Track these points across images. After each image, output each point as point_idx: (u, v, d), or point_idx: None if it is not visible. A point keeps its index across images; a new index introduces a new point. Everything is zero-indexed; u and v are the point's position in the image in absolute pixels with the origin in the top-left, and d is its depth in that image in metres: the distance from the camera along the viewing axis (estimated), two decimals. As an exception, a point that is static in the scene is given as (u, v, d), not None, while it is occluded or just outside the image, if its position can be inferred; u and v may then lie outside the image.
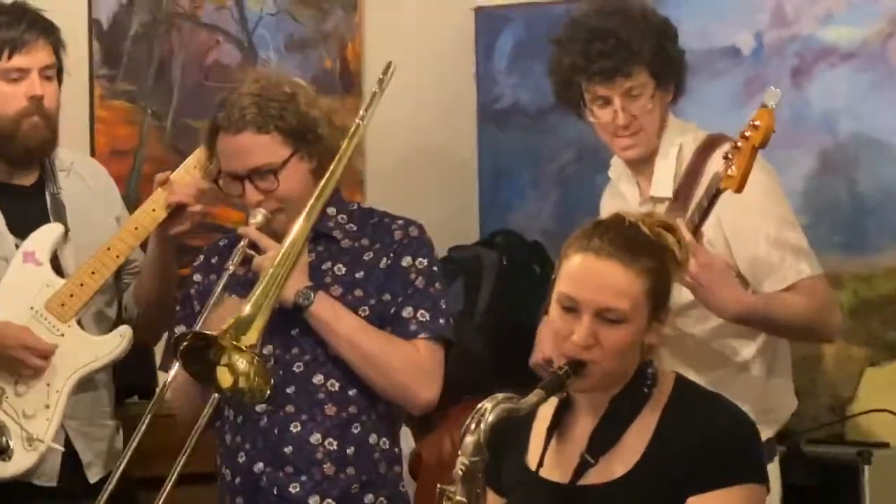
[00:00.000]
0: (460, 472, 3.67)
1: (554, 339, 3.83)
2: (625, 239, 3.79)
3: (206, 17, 6.49)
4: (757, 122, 4.71)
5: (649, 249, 3.81)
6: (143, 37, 6.37)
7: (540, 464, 3.92)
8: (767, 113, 4.72)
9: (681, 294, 4.73)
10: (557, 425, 3.95)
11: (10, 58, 5.09)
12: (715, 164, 4.97)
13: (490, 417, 3.68)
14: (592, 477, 3.86)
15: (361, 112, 4.80)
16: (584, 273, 3.79)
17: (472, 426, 3.67)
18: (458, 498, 3.66)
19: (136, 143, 6.19)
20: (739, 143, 4.72)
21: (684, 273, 4.49)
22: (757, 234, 4.99)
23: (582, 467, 3.82)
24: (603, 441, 3.83)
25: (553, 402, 3.93)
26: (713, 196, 4.73)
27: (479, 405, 3.72)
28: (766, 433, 4.95)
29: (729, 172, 4.71)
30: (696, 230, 4.71)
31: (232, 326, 4.45)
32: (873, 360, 5.85)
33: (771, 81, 5.86)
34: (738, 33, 6.02)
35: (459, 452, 3.71)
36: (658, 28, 5.22)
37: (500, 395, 3.73)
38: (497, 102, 6.88)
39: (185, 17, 6.46)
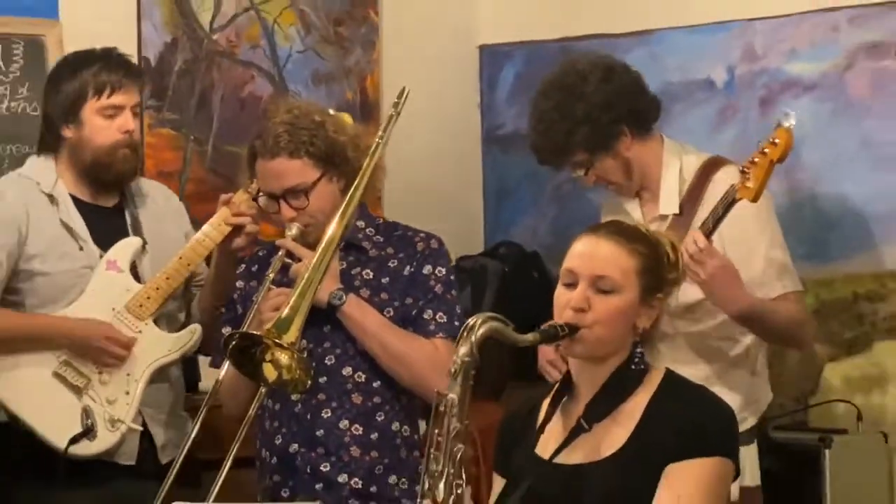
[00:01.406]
0: (453, 369, 3.73)
1: (556, 312, 3.84)
2: (624, 229, 3.92)
3: (242, 55, 6.51)
4: (776, 140, 4.79)
5: (644, 240, 3.89)
6: (187, 72, 6.37)
7: (542, 430, 3.94)
8: (787, 132, 4.80)
9: (679, 297, 4.86)
10: (559, 404, 3.95)
11: (109, 97, 5.15)
12: (717, 181, 5.11)
13: (480, 329, 3.72)
14: (586, 454, 3.85)
15: (380, 132, 4.78)
16: (583, 248, 3.86)
17: (464, 335, 3.72)
18: (451, 395, 3.72)
19: (181, 167, 6.19)
20: (756, 159, 4.79)
21: (697, 272, 4.76)
22: (751, 250, 5.08)
23: (575, 431, 3.83)
24: (597, 412, 3.84)
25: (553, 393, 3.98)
26: (729, 204, 4.81)
27: (469, 319, 3.77)
28: (750, 421, 5.19)
29: (746, 184, 4.77)
30: (709, 235, 4.81)
31: (273, 326, 4.42)
32: (833, 356, 5.91)
33: (742, 110, 6.00)
34: (713, 67, 6.07)
35: (454, 356, 3.76)
36: (620, 80, 5.27)
37: (489, 314, 3.78)
38: (500, 129, 6.94)
39: (224, 54, 6.48)
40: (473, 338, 3.72)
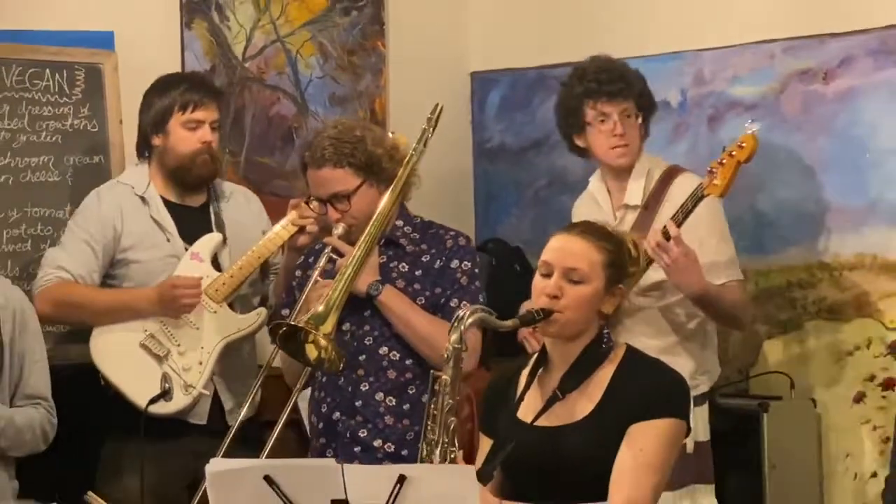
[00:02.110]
0: (446, 355, 3.83)
1: (534, 298, 3.89)
2: (592, 228, 3.96)
3: (269, 80, 6.47)
4: (743, 144, 4.92)
5: (610, 238, 3.94)
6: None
7: (522, 398, 3.96)
8: (753, 137, 4.94)
9: (645, 277, 4.95)
10: (536, 375, 3.96)
11: (192, 112, 5.22)
12: (676, 185, 5.22)
13: (468, 320, 3.81)
14: (561, 418, 3.88)
15: (414, 145, 4.85)
16: (557, 244, 3.91)
17: (455, 324, 3.82)
18: (444, 377, 3.81)
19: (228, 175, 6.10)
20: (724, 160, 4.91)
21: (662, 257, 4.86)
22: (703, 243, 5.08)
23: (551, 401, 3.87)
24: (570, 383, 3.87)
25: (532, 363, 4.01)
26: (697, 200, 4.90)
27: (459, 312, 3.90)
28: (703, 388, 5.26)
29: (714, 182, 4.87)
30: (678, 226, 4.87)
31: (312, 318, 4.51)
32: (770, 334, 5.89)
33: (692, 127, 6.01)
34: (668, 91, 6.03)
35: (447, 344, 3.85)
36: (642, 78, 5.37)
37: (477, 307, 3.92)
38: (488, 143, 6.89)
39: (254, 80, 6.45)
40: (462, 327, 3.80)
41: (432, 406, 3.91)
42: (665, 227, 4.87)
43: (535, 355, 4.00)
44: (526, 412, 3.94)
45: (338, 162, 4.85)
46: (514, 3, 6.79)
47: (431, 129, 4.87)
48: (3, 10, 5.81)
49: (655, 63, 5.94)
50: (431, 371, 3.92)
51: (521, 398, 3.97)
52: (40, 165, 5.72)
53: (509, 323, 3.90)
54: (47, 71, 5.79)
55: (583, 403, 3.90)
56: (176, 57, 6.22)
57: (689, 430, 3.93)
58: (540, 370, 3.99)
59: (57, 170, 5.71)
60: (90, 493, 4.17)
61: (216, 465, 3.44)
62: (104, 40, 5.94)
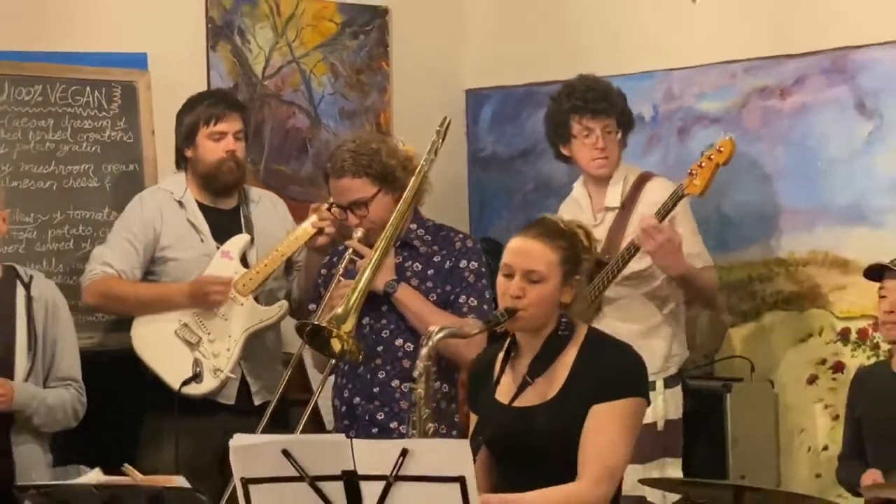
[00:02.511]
0: (417, 372, 3.88)
1: (499, 297, 3.92)
2: (546, 228, 3.94)
3: (286, 96, 6.45)
4: (722, 148, 4.98)
5: (563, 235, 3.93)
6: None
7: (498, 382, 3.98)
8: (731, 142, 5.00)
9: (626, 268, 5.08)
10: (508, 361, 3.99)
11: (215, 124, 5.25)
12: (648, 189, 5.30)
13: (436, 337, 3.84)
14: (532, 400, 3.90)
15: (425, 156, 4.81)
16: (516, 247, 3.91)
17: (424, 341, 3.88)
18: (418, 390, 3.85)
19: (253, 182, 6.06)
20: (703, 163, 4.97)
21: (647, 242, 4.93)
22: (681, 235, 5.08)
23: (522, 386, 3.90)
24: (538, 369, 3.91)
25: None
26: (678, 198, 4.96)
27: (430, 328, 3.93)
28: (673, 370, 5.33)
29: (694, 182, 4.94)
30: (661, 220, 4.95)
31: (334, 319, 4.51)
32: (733, 323, 5.89)
33: (664, 138, 6.02)
34: (643, 106, 6.01)
35: (418, 359, 3.90)
36: (623, 97, 5.41)
37: (444, 326, 3.93)
38: (481, 153, 6.88)
39: (272, 96, 6.43)
40: (431, 344, 3.87)
41: (412, 415, 3.97)
42: (657, 212, 4.97)
43: (507, 343, 4.01)
44: (502, 394, 3.97)
45: (356, 172, 4.87)
46: (504, 27, 6.77)
47: (441, 141, 4.83)
48: (48, 34, 5.82)
49: (631, 81, 5.90)
50: (409, 385, 4.00)
51: (498, 381, 4.00)
52: (81, 173, 5.74)
53: (476, 330, 3.93)
54: (88, 88, 5.81)
55: (550, 385, 3.93)
56: (202, 76, 6.22)
57: (648, 403, 3.95)
58: (511, 355, 4.01)
59: (96, 177, 5.74)
60: (126, 465, 4.17)
61: (239, 441, 3.45)
62: (138, 61, 5.96)
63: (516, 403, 3.92)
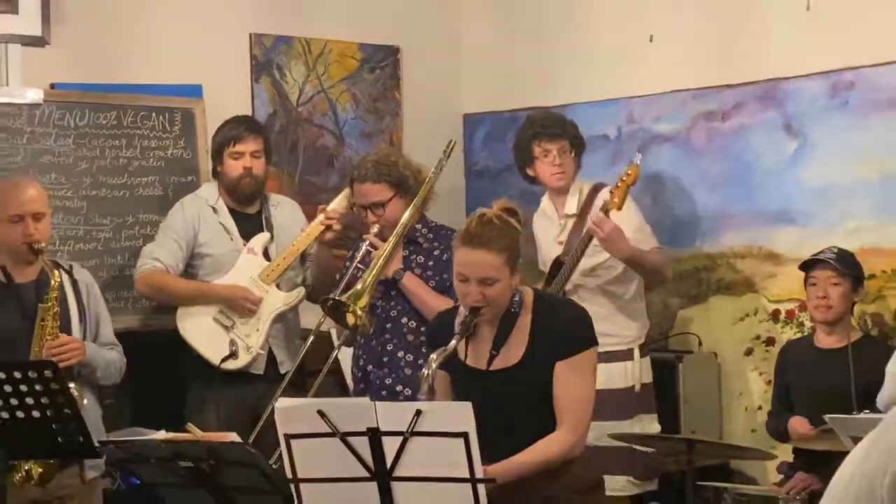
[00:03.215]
0: (423, 390, 3.82)
1: (459, 298, 3.90)
2: (486, 236, 3.80)
3: (316, 121, 6.42)
4: (629, 172, 5.05)
5: (502, 235, 3.81)
6: (282, 131, 6.31)
7: (466, 354, 3.94)
8: (636, 167, 5.06)
9: (583, 263, 5.17)
10: (471, 336, 3.92)
11: (234, 145, 5.24)
12: (599, 196, 5.27)
13: (430, 373, 3.77)
14: (499, 364, 3.90)
15: (433, 171, 4.95)
16: (467, 259, 3.81)
17: (425, 368, 3.80)
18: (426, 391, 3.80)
19: (279, 189, 6.09)
20: (619, 184, 5.05)
21: (598, 232, 4.98)
22: (629, 225, 5.16)
23: (492, 357, 3.89)
24: (500, 341, 3.89)
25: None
26: (606, 211, 5.00)
27: (431, 356, 3.82)
28: (640, 341, 5.35)
29: (614, 199, 5.04)
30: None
31: (351, 296, 4.63)
32: (682, 305, 5.89)
33: (625, 154, 5.92)
34: (608, 127, 6.02)
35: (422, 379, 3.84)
36: (574, 125, 5.43)
37: (436, 352, 3.81)
38: (475, 167, 6.86)
39: (305, 120, 6.40)
40: (429, 379, 3.80)
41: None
42: (603, 206, 5.04)
43: (462, 325, 3.91)
44: (474, 360, 3.95)
45: (377, 179, 4.90)
46: (494, 63, 6.73)
47: (446, 159, 5.01)
48: (120, 68, 5.82)
49: (598, 107, 5.94)
50: (420, 396, 3.90)
51: (465, 350, 3.94)
52: (148, 183, 5.75)
53: (455, 342, 3.83)
54: (153, 114, 5.81)
55: (515, 350, 3.91)
56: (247, 103, 6.20)
57: (598, 346, 3.95)
58: (473, 324, 3.91)
59: (160, 186, 5.74)
60: (189, 423, 4.17)
61: (283, 403, 3.47)
62: (195, 91, 5.97)
63: (493, 368, 3.91)
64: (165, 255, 5.23)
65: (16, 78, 5.55)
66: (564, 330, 3.89)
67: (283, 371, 5.17)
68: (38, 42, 5.58)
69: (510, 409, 3.87)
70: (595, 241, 5.06)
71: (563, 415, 3.82)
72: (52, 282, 4.46)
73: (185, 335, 5.19)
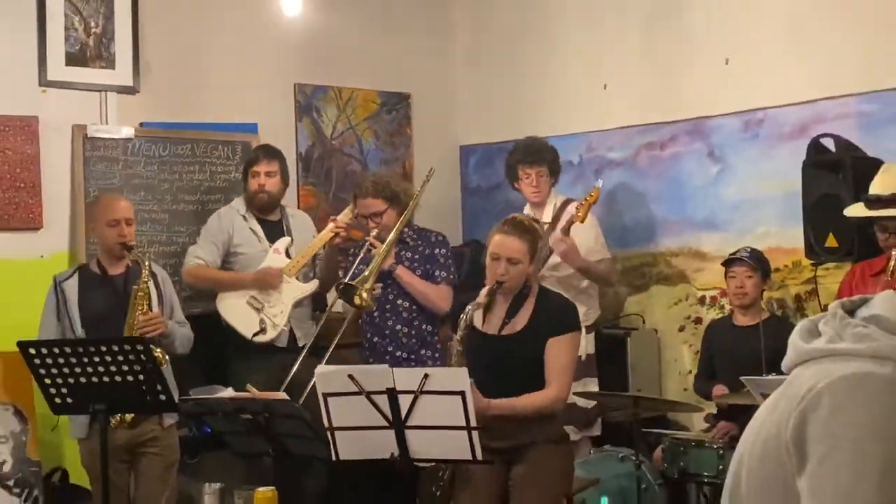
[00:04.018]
0: (454, 352, 3.94)
1: (489, 273, 3.97)
2: (518, 226, 3.98)
3: (346, 151, 6.40)
4: (592, 194, 5.04)
5: (529, 230, 3.98)
6: (319, 159, 6.30)
7: (483, 322, 4.04)
8: (598, 190, 5.06)
9: (553, 260, 5.11)
10: (489, 309, 4.02)
11: (252, 167, 5.21)
12: (567, 210, 5.25)
13: (471, 313, 3.90)
14: (507, 331, 4.00)
15: (417, 189, 5.00)
16: (500, 242, 3.95)
17: (463, 317, 3.91)
18: (455, 356, 3.90)
19: (316, 205, 6.12)
20: (583, 202, 5.05)
21: (558, 248, 5.00)
22: (587, 238, 5.17)
23: (503, 325, 3.99)
24: (511, 313, 3.99)
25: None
26: (570, 223, 5.00)
27: (467, 308, 3.94)
28: (589, 321, 5.31)
29: (578, 214, 5.03)
30: (565, 234, 5.02)
31: (360, 280, 4.68)
32: (630, 293, 5.85)
33: (585, 177, 5.98)
34: (572, 155, 5.98)
35: (457, 331, 3.95)
36: (554, 151, 5.41)
37: (472, 304, 3.94)
38: (469, 185, 6.83)
39: (337, 150, 6.38)
40: (466, 317, 3.93)
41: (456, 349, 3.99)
42: (561, 229, 5.04)
43: (488, 293, 3.99)
44: (489, 328, 4.03)
45: (375, 195, 4.94)
46: (483, 107, 6.72)
47: (427, 182, 5.08)
48: (194, 110, 5.82)
49: (565, 139, 5.92)
50: (452, 337, 4.01)
51: (483, 322, 4.05)
52: (215, 200, 5.72)
53: (483, 300, 3.94)
54: (220, 146, 5.81)
55: (520, 321, 4.01)
56: (292, 138, 6.18)
57: (580, 332, 4.15)
58: (491, 306, 4.04)
59: (225, 202, 5.62)
60: (249, 385, 4.16)
61: (322, 369, 3.50)
62: (252, 128, 5.94)
63: (503, 332, 4.01)
64: (204, 253, 5.18)
65: (113, 118, 5.56)
66: (557, 315, 4.00)
67: (300, 345, 5.13)
68: (130, 90, 5.61)
69: (512, 363, 3.95)
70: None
71: (551, 378, 3.92)
72: (143, 270, 4.51)
73: (224, 315, 5.12)
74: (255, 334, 5.06)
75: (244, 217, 5.27)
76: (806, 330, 1.77)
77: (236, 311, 5.12)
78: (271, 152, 5.34)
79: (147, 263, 4.57)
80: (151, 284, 4.59)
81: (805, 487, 1.57)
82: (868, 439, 1.53)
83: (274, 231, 5.30)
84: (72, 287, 4.55)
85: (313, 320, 5.32)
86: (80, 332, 4.46)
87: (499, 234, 3.98)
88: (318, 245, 5.21)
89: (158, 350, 4.35)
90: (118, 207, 4.60)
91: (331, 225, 5.12)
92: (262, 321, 5.09)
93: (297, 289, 5.17)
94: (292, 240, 5.28)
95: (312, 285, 5.24)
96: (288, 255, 5.22)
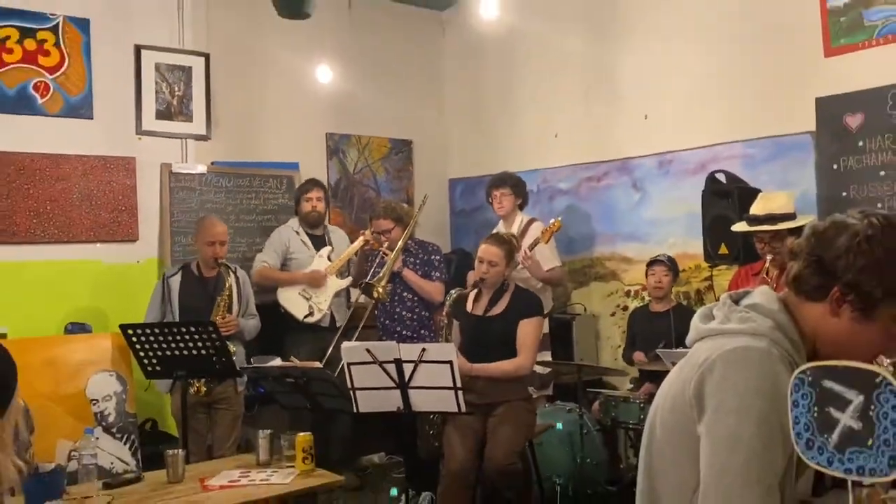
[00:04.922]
0: (443, 323, 3.93)
1: (476, 272, 3.95)
2: (498, 238, 3.98)
3: (364, 183, 6.37)
4: (554, 223, 4.91)
5: (506, 242, 3.96)
6: (345, 188, 6.27)
7: (473, 307, 4.02)
8: (559, 222, 4.91)
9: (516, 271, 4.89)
10: (477, 298, 4.00)
11: (305, 194, 5.15)
12: (532, 228, 5.15)
13: (454, 295, 3.90)
14: (490, 313, 3.97)
15: (416, 212, 4.87)
16: (485, 249, 3.94)
17: (447, 299, 3.93)
18: (444, 327, 3.92)
19: (342, 222, 6.07)
20: (547, 227, 4.92)
21: (524, 264, 4.81)
22: (545, 252, 5.03)
23: (487, 309, 3.95)
24: (493, 300, 3.95)
25: (474, 292, 4.06)
26: (535, 243, 4.87)
27: (451, 292, 3.94)
28: (547, 308, 5.11)
29: (544, 238, 4.90)
30: (531, 250, 4.87)
31: (377, 280, 4.53)
32: (575, 287, 5.81)
33: (541, 202, 5.95)
34: (531, 185, 5.90)
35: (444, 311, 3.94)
36: (518, 179, 5.29)
37: (455, 290, 3.96)
38: (456, 209, 6.80)
39: (358, 182, 6.35)
40: (451, 298, 3.94)
41: (442, 329, 4.01)
42: (527, 248, 4.90)
43: (473, 284, 4.00)
44: (476, 311, 4.01)
45: (385, 216, 4.88)
46: (468, 149, 6.71)
47: (422, 206, 4.99)
48: (251, 152, 5.79)
49: (527, 173, 5.86)
50: (438, 318, 4.01)
51: (473, 306, 4.04)
52: (268, 219, 5.71)
53: (469, 290, 3.98)
54: (271, 179, 5.80)
55: (499, 307, 3.98)
56: (324, 173, 6.16)
57: (545, 318, 4.15)
58: (478, 294, 4.03)
59: (276, 222, 5.64)
60: (291, 356, 4.15)
61: (347, 345, 3.45)
62: (294, 166, 5.94)
63: (487, 314, 3.99)
64: (269, 258, 5.14)
65: (191, 158, 5.56)
66: (527, 304, 3.99)
67: (338, 325, 5.10)
68: (203, 138, 5.60)
69: (492, 337, 3.95)
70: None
71: (521, 349, 3.92)
72: (227, 283, 4.45)
73: (283, 303, 5.06)
74: (305, 317, 5.04)
75: (297, 232, 5.25)
76: (703, 314, 1.78)
77: (291, 300, 5.08)
78: (318, 184, 5.36)
79: (230, 278, 4.48)
80: (234, 287, 4.53)
81: (703, 430, 1.58)
82: (748, 395, 1.54)
83: (319, 242, 5.27)
84: (175, 282, 4.52)
85: (347, 307, 5.30)
86: (177, 316, 4.44)
87: (484, 243, 4.02)
88: (351, 252, 5.15)
89: (230, 344, 4.22)
90: (215, 232, 4.52)
91: (360, 238, 5.07)
92: (310, 307, 5.05)
93: (335, 284, 5.14)
94: (332, 248, 5.25)
95: (347, 281, 5.21)
96: (329, 259, 5.20)
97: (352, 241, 5.22)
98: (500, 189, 5.28)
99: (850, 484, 1.29)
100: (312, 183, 5.33)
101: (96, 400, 4.24)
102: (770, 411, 1.49)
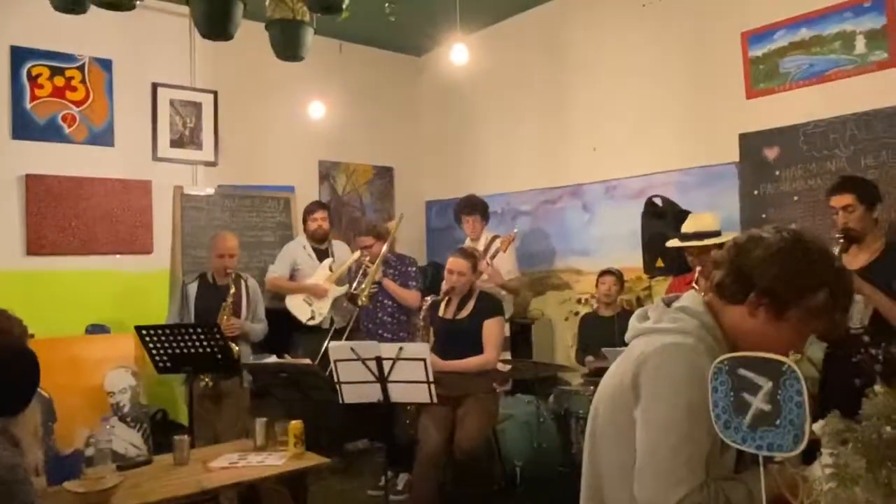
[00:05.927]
0: (419, 326, 3.86)
1: (445, 282, 3.90)
2: (464, 253, 3.92)
3: (352, 203, 6.35)
4: (512, 235, 4.93)
5: (471, 256, 3.92)
6: (335, 209, 6.10)
7: (445, 311, 3.97)
8: (514, 234, 4.95)
9: (482, 277, 4.79)
10: (448, 304, 3.95)
11: (311, 214, 5.08)
12: (495, 243, 5.08)
13: (429, 303, 3.83)
14: (458, 316, 3.92)
15: (393, 230, 4.81)
16: (453, 262, 3.89)
17: (423, 305, 3.86)
18: (420, 330, 3.83)
19: (335, 237, 6.01)
20: (505, 239, 4.92)
21: (484, 273, 4.72)
22: (506, 265, 5.00)
23: (456, 313, 3.90)
24: (461, 305, 3.89)
25: (446, 299, 4.00)
26: (496, 253, 4.86)
27: (427, 298, 3.89)
28: (508, 314, 5.03)
29: (502, 247, 4.88)
30: (491, 260, 4.85)
31: (360, 290, 4.50)
32: (534, 295, 5.79)
33: (506, 222, 5.91)
34: (496, 206, 5.88)
35: (421, 315, 3.86)
36: (485, 204, 5.22)
37: (430, 297, 3.88)
38: (431, 226, 6.79)
39: (346, 204, 6.29)
40: (426, 304, 3.83)
41: (420, 328, 3.94)
42: (486, 259, 4.89)
43: (444, 293, 3.96)
44: (446, 314, 3.97)
45: (367, 234, 4.83)
46: (438, 175, 6.70)
47: (398, 224, 4.98)
48: (252, 176, 5.75)
49: (492, 196, 5.88)
50: (415, 322, 3.89)
51: (445, 310, 3.98)
52: (267, 235, 5.65)
53: (441, 296, 3.94)
54: (270, 200, 5.73)
55: (466, 311, 3.93)
56: (316, 195, 6.12)
57: (506, 320, 4.07)
58: (448, 300, 3.98)
59: (273, 237, 5.61)
60: (285, 354, 4.11)
61: (334, 344, 3.42)
62: (290, 189, 5.89)
63: (456, 317, 3.94)
64: (279, 269, 5.12)
65: (201, 182, 5.53)
66: (490, 306, 3.95)
67: (337, 327, 5.06)
68: (212, 164, 5.58)
69: (460, 338, 3.91)
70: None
71: (486, 346, 3.88)
72: (232, 290, 4.40)
73: (290, 308, 5.03)
74: (308, 320, 5.01)
75: (304, 246, 5.23)
76: (640, 315, 1.79)
77: (296, 305, 5.06)
78: (323, 205, 5.36)
79: (233, 287, 4.42)
80: (244, 293, 4.47)
81: (639, 417, 1.59)
82: (678, 385, 1.55)
83: (322, 255, 5.25)
84: (193, 289, 4.46)
85: (345, 311, 5.27)
86: (193, 319, 4.39)
87: (452, 257, 4.01)
88: (348, 264, 5.13)
89: (234, 345, 4.17)
90: (225, 246, 4.43)
91: (357, 252, 5.04)
92: (312, 312, 5.04)
93: (335, 291, 5.12)
94: (334, 259, 5.23)
95: (345, 288, 5.18)
96: (330, 269, 5.18)
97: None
98: (471, 216, 5.28)
99: (761, 459, 1.29)
100: (317, 205, 5.33)
101: (113, 392, 4.21)
102: (696, 398, 1.50)
